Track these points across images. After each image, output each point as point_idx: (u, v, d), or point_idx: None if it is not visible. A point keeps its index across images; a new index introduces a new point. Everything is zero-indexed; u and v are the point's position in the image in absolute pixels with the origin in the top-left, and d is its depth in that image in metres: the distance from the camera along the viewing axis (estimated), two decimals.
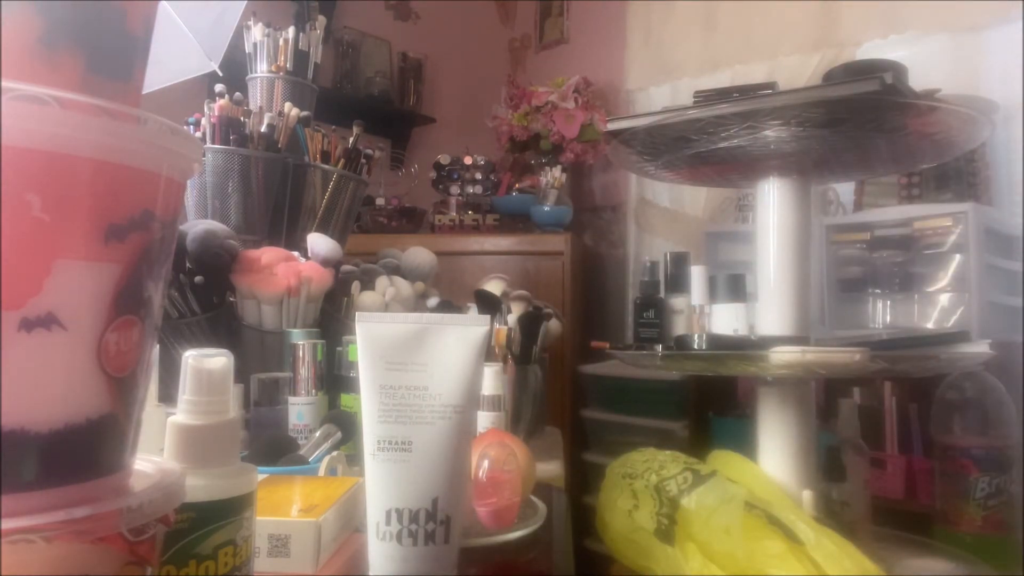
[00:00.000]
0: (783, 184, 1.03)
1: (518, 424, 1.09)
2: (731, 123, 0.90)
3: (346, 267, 1.12)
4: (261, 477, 0.57)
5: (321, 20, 1.35)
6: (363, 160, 1.28)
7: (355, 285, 1.07)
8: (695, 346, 0.96)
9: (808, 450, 1.01)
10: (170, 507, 0.31)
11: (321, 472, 0.68)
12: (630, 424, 2.01)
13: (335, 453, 0.71)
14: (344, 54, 2.69)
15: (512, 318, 1.15)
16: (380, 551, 0.49)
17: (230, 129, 1.13)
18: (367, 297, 1.07)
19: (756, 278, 1.05)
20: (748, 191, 1.76)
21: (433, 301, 1.17)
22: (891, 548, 1.09)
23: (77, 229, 0.27)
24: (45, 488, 0.27)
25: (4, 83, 0.24)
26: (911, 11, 1.96)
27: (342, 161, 1.25)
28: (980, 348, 0.94)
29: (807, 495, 0.96)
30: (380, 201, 2.39)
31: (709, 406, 1.90)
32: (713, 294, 1.06)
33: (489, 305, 1.12)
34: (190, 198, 1.15)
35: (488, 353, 0.61)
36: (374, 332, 0.50)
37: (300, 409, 0.86)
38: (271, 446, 0.75)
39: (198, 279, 0.99)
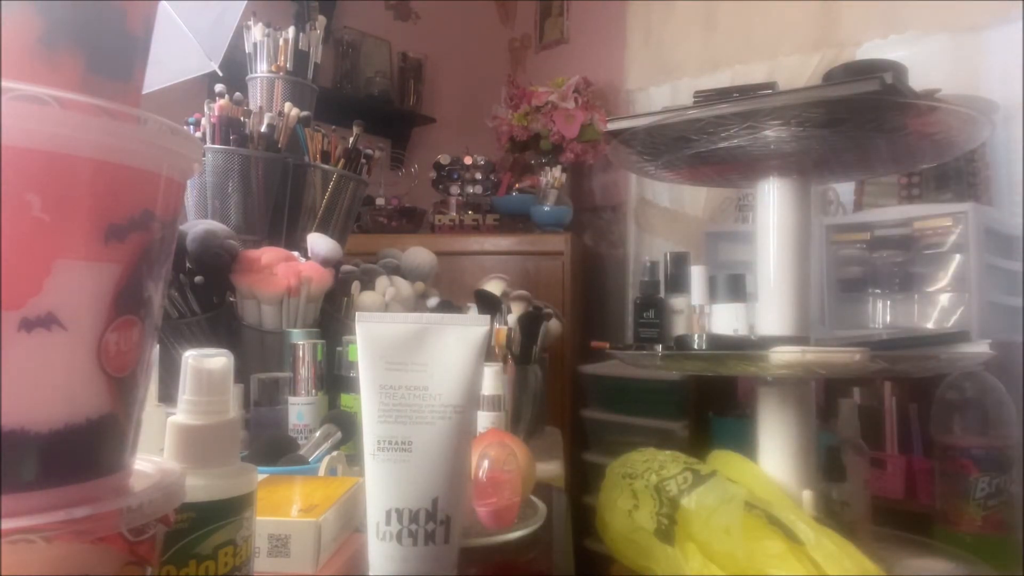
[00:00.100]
0: (783, 184, 1.03)
1: (518, 424, 1.09)
2: (731, 123, 0.90)
3: (346, 267, 1.12)
4: (261, 477, 0.57)
5: (321, 20, 1.35)
6: (363, 160, 1.28)
7: (355, 285, 1.07)
8: (695, 346, 0.96)
9: (808, 450, 1.01)
10: (170, 507, 0.31)
11: (321, 472, 0.68)
12: (630, 424, 2.01)
13: (335, 453, 0.71)
14: (344, 54, 2.69)
15: (512, 318, 1.15)
16: (380, 551, 0.49)
17: (230, 129, 1.13)
18: (367, 297, 1.07)
19: (756, 278, 1.05)
20: (748, 191, 1.76)
21: (433, 301, 1.17)
22: (891, 548, 1.09)
23: (77, 229, 0.27)
24: (45, 488, 0.27)
25: (4, 83, 0.24)
26: (911, 11, 1.96)
27: (342, 161, 1.25)
28: (980, 348, 0.94)
29: (807, 495, 0.96)
30: (380, 201, 2.39)
31: (709, 406, 1.90)
32: (713, 294, 1.06)
33: (489, 305, 1.12)
34: (190, 198, 1.15)
35: (488, 353, 0.61)
36: (374, 332, 0.50)
37: (300, 409, 0.86)
38: (271, 446, 0.75)
39: (198, 279, 0.99)
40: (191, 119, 1.17)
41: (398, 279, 1.14)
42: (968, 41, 1.88)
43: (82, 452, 0.28)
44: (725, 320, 1.03)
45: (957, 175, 1.70)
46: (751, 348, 0.93)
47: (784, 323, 1.01)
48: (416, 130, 2.92)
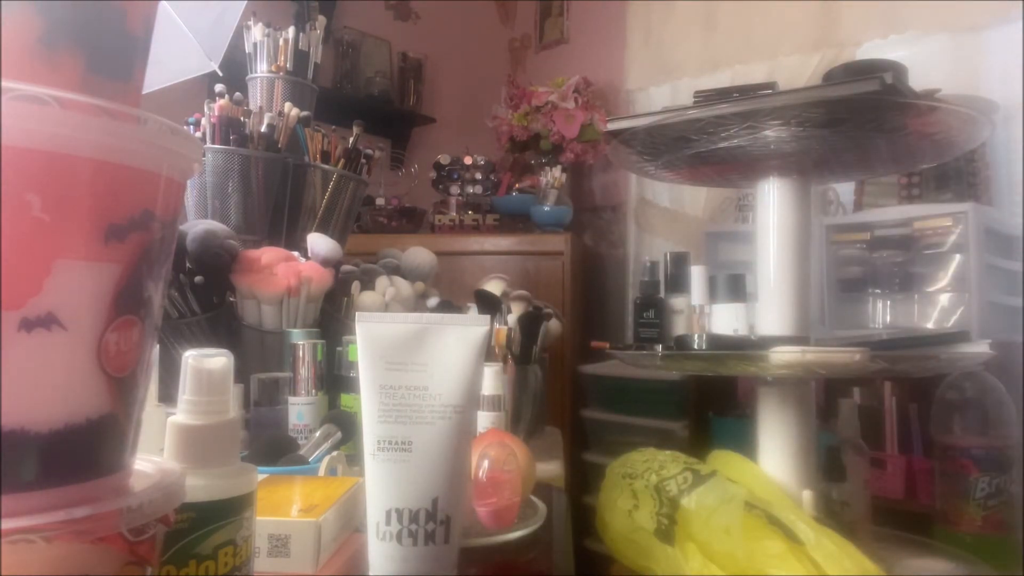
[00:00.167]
0: (783, 184, 1.03)
1: (518, 424, 1.09)
2: (731, 123, 0.90)
3: (346, 267, 1.12)
4: (261, 477, 0.57)
5: (321, 20, 1.35)
6: (363, 160, 1.28)
7: (355, 285, 1.07)
8: (695, 346, 0.96)
9: (808, 450, 1.01)
10: (170, 507, 0.31)
11: (321, 472, 0.68)
12: (630, 424, 2.01)
13: (335, 453, 0.71)
14: (344, 54, 2.69)
15: (512, 318, 1.15)
16: (380, 551, 0.49)
17: (230, 129, 1.13)
18: (367, 297, 1.07)
19: (756, 278, 1.05)
20: (748, 191, 1.76)
21: (433, 301, 1.17)
22: (891, 548, 1.09)
23: (77, 229, 0.27)
24: (45, 488, 0.27)
25: (4, 83, 0.24)
26: (911, 11, 1.96)
27: (342, 161, 1.25)
28: (980, 348, 0.94)
29: (807, 495, 0.96)
30: (380, 201, 2.39)
31: (709, 406, 1.90)
32: (713, 294, 1.06)
33: (489, 305, 1.12)
34: (190, 198, 1.15)
35: (488, 353, 0.61)
36: (374, 332, 0.50)
37: (300, 409, 0.86)
38: (271, 446, 0.75)
39: (198, 279, 0.99)
40: (191, 119, 1.17)
41: (398, 279, 1.14)
42: (968, 41, 1.88)
43: (82, 452, 0.28)
44: (725, 320, 1.03)
45: (957, 175, 1.70)
46: (751, 348, 0.93)
47: (784, 323, 1.01)
48: (416, 130, 2.92)
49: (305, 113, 1.24)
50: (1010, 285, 1.67)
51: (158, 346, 0.69)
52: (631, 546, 0.95)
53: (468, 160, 2.43)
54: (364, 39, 2.76)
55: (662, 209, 2.54)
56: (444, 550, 0.49)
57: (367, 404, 0.49)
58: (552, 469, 0.99)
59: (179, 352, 0.42)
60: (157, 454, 0.37)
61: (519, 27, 3.19)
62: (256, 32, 1.27)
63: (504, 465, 0.65)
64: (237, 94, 1.19)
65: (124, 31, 0.31)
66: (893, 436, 1.57)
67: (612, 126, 1.04)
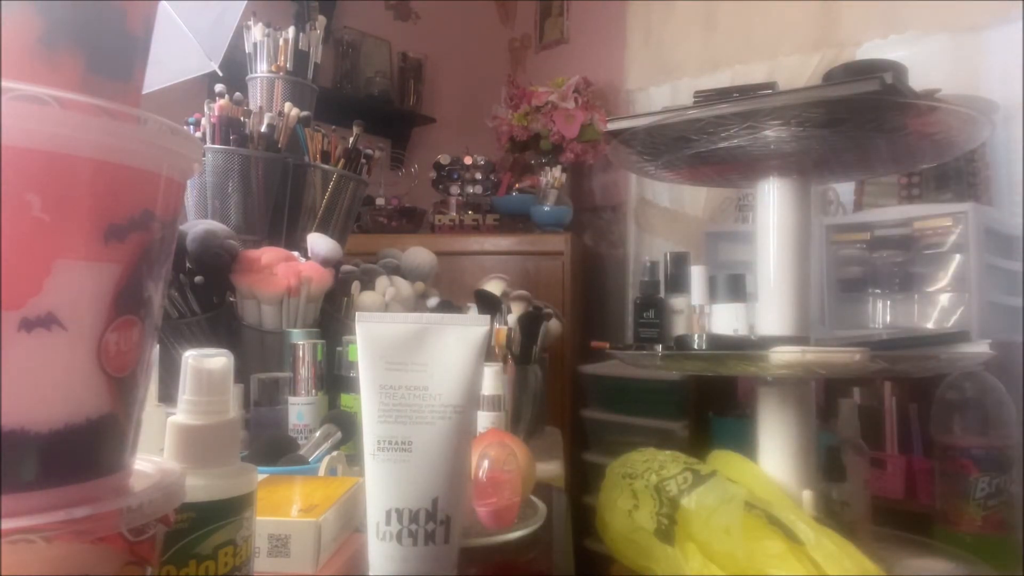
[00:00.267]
0: (783, 184, 1.03)
1: (518, 424, 1.09)
2: (731, 123, 0.90)
3: (346, 267, 1.12)
4: (261, 477, 0.57)
5: (321, 20, 1.35)
6: (363, 160, 1.28)
7: (355, 285, 1.07)
8: (695, 346, 0.96)
9: (808, 450, 1.01)
10: (170, 507, 0.31)
11: (321, 472, 0.68)
12: (630, 424, 2.01)
13: (335, 453, 0.71)
14: (344, 54, 2.69)
15: (512, 318, 1.15)
16: (380, 551, 0.49)
17: (230, 129, 1.13)
18: (367, 297, 1.07)
19: (756, 278, 1.05)
20: (748, 191, 1.76)
21: (433, 301, 1.17)
22: (891, 548, 1.09)
23: (77, 229, 0.27)
24: (45, 488, 0.27)
25: (4, 83, 0.24)
26: (911, 11, 1.96)
27: (342, 161, 1.25)
28: (980, 348, 0.94)
29: (807, 495, 0.96)
30: (380, 201, 2.39)
31: (709, 406, 1.90)
32: (713, 294, 1.06)
33: (489, 305, 1.12)
34: (190, 198, 1.15)
35: (488, 353, 0.61)
36: (374, 332, 0.50)
37: (300, 409, 0.86)
38: (271, 446, 0.75)
39: (198, 279, 0.99)
40: (191, 119, 1.17)
41: (398, 279, 1.14)
42: (968, 41, 1.88)
43: (82, 452, 0.28)
44: (725, 320, 1.03)
45: (957, 175, 1.70)
46: (751, 348, 0.93)
47: (784, 323, 1.01)
48: (416, 130, 2.92)
49: (305, 113, 1.24)
50: (1010, 285, 1.67)
51: (158, 346, 0.69)
52: (631, 546, 0.95)
53: (468, 160, 2.43)
54: (364, 39, 2.76)
55: (662, 209, 2.54)
56: (444, 550, 0.49)
57: (367, 404, 0.49)
58: (552, 469, 0.99)
59: (179, 352, 0.42)
60: (157, 454, 0.37)
61: (519, 27, 3.19)
62: (256, 32, 1.27)
63: (504, 465, 0.65)
64: (237, 94, 1.19)
65: (124, 31, 0.31)
66: (893, 436, 1.57)
67: (612, 126, 1.04)
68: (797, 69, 2.15)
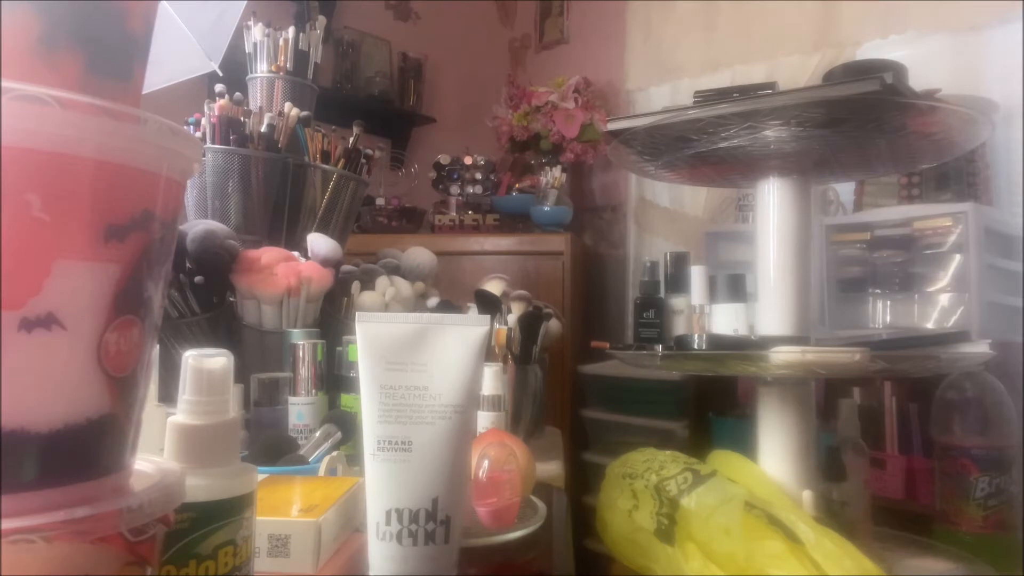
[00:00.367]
0: (783, 184, 1.03)
1: (518, 424, 1.09)
2: (731, 123, 0.90)
3: (346, 267, 1.12)
4: (261, 477, 0.57)
5: (321, 20, 1.35)
6: (363, 160, 1.28)
7: (355, 285, 1.07)
8: (695, 346, 0.96)
9: (808, 450, 1.01)
10: (170, 507, 0.31)
11: (321, 472, 0.68)
12: (630, 424, 2.01)
13: (335, 453, 0.71)
14: (344, 54, 2.69)
15: (512, 318, 1.15)
16: (380, 551, 0.49)
17: (230, 129, 1.13)
18: (367, 297, 1.07)
19: (756, 278, 1.04)
20: (748, 191, 1.76)
21: (433, 301, 1.17)
22: (891, 548, 1.09)
23: (77, 229, 0.27)
24: (45, 488, 0.27)
25: (4, 83, 0.24)
26: (911, 11, 1.96)
27: (342, 161, 1.25)
28: (980, 348, 0.94)
29: (807, 495, 0.95)
30: (380, 201, 2.39)
31: (709, 406, 1.90)
32: (713, 294, 1.06)
33: (489, 305, 1.12)
34: (190, 198, 1.15)
35: (488, 353, 0.61)
36: (374, 332, 0.50)
37: (300, 409, 0.86)
38: (271, 446, 0.75)
39: (198, 279, 0.99)
40: (191, 119, 1.17)
41: (398, 279, 1.14)
42: (968, 41, 1.88)
43: (82, 452, 0.28)
44: (725, 320, 1.03)
45: (957, 175, 1.70)
46: (751, 348, 0.93)
47: (784, 323, 1.01)
48: (416, 130, 2.92)
49: (305, 113, 1.23)
50: (1010, 285, 1.67)
51: (158, 346, 0.69)
52: (631, 546, 0.95)
53: (468, 160, 2.43)
54: (364, 39, 2.76)
55: (662, 209, 2.54)
56: (444, 550, 0.49)
57: (367, 404, 0.49)
58: (552, 469, 0.99)
59: (179, 352, 0.42)
60: (157, 454, 0.37)
61: (519, 27, 3.19)
62: (256, 32, 1.27)
63: (504, 465, 0.65)
64: (237, 94, 1.19)
65: (124, 31, 0.31)
66: (893, 436, 1.57)
67: (612, 126, 1.04)
68: (797, 69, 2.15)
